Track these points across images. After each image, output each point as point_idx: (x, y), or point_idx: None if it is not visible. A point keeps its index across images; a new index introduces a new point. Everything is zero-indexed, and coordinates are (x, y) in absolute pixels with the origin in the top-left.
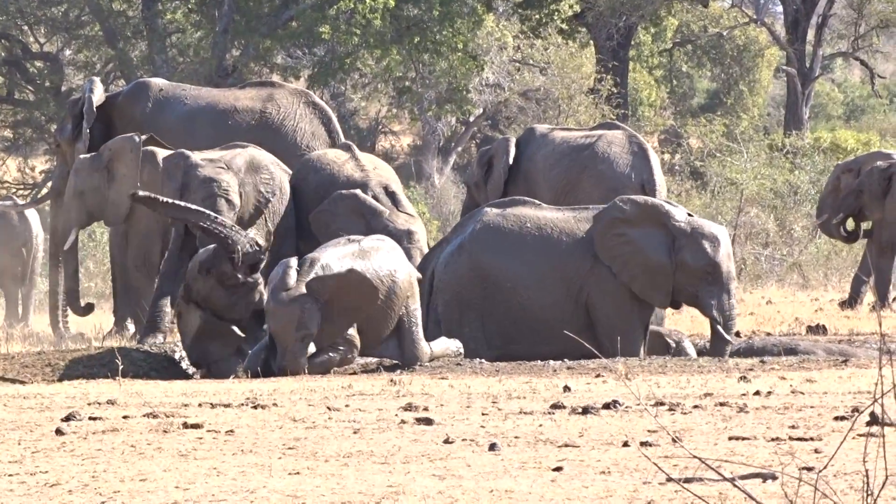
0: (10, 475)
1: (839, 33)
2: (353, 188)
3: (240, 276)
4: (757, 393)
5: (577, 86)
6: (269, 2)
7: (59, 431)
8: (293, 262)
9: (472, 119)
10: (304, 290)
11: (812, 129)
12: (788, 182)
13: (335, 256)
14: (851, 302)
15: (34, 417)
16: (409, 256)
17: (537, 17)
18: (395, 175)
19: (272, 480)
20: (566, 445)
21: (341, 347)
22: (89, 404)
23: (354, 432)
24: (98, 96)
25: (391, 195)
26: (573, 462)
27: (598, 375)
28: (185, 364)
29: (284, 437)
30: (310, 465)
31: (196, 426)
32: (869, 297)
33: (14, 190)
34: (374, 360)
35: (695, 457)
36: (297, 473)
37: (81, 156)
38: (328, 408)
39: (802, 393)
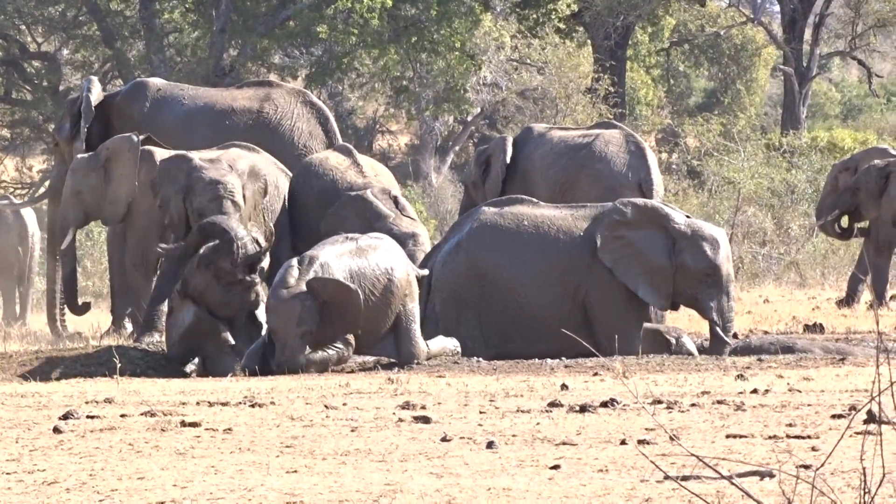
0: (8, 473)
1: (836, 32)
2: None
3: (238, 273)
4: (754, 391)
5: (575, 85)
6: (266, 1)
7: (56, 430)
8: (295, 261)
9: (469, 118)
10: (304, 288)
11: (809, 129)
12: (786, 181)
13: (333, 254)
14: (848, 300)
15: (32, 416)
16: (414, 259)
17: (535, 16)
18: (395, 180)
19: (270, 479)
20: (564, 444)
21: (339, 345)
22: (87, 403)
23: (352, 431)
24: (96, 95)
25: (394, 200)
26: (571, 460)
27: (595, 374)
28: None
29: (282, 436)
30: (307, 463)
31: (194, 424)
32: (866, 295)
33: (12, 189)
34: (372, 358)
35: (692, 455)
36: (295, 472)
37: (79, 155)
38: (326, 406)
39: (800, 391)
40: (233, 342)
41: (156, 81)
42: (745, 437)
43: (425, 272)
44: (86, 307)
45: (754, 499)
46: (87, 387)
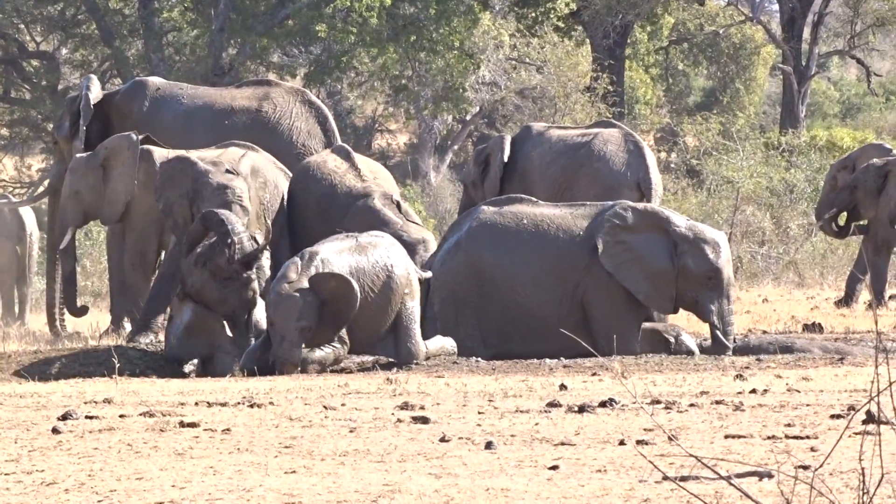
0: (7, 474)
1: (835, 31)
2: (355, 199)
3: (234, 270)
4: (753, 391)
5: (574, 84)
6: (265, 0)
7: (55, 430)
8: (297, 258)
9: (468, 117)
10: (306, 284)
11: (808, 128)
12: (784, 180)
13: (334, 251)
14: (847, 300)
15: (31, 416)
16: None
17: (533, 15)
18: (393, 180)
19: (268, 479)
20: (562, 444)
21: (336, 345)
22: (86, 403)
23: (351, 431)
24: (95, 94)
25: (396, 205)
26: (569, 460)
27: (594, 374)
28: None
29: (281, 436)
30: (306, 463)
31: (192, 425)
32: (865, 295)
33: (11, 189)
34: (370, 358)
35: (691, 455)
36: (294, 472)
37: (77, 155)
38: (324, 406)
39: (798, 391)
40: (231, 336)
41: (155, 80)
42: (744, 437)
43: (428, 274)
44: (84, 310)
45: (753, 499)
46: (86, 387)
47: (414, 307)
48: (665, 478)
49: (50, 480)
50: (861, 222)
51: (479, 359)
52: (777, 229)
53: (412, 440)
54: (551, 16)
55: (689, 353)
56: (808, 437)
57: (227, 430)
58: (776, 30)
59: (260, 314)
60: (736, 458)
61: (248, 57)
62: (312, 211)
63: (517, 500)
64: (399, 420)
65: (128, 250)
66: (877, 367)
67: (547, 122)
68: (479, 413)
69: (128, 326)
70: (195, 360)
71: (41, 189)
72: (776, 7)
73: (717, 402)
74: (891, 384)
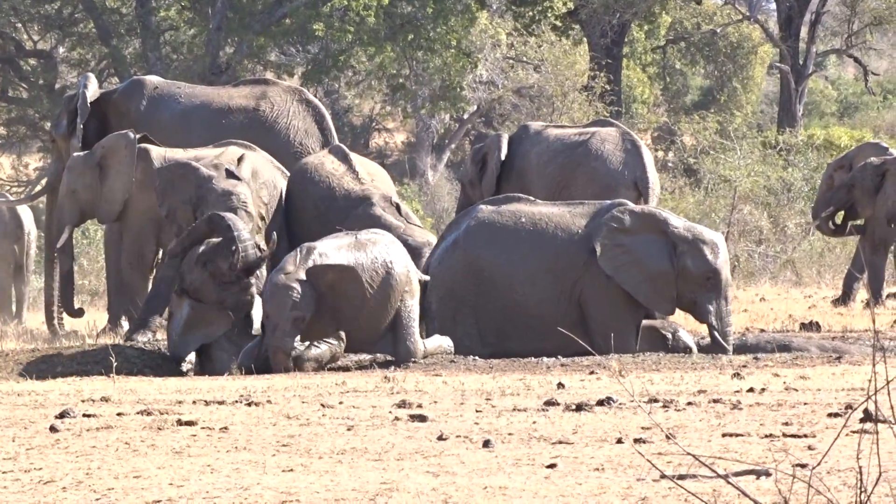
0: (5, 472)
1: (832, 30)
2: (353, 202)
3: (235, 276)
4: (751, 390)
5: (571, 83)
6: None
7: (53, 428)
8: (296, 251)
9: (465, 116)
10: (302, 275)
11: (805, 127)
12: (782, 179)
13: (333, 246)
14: (844, 299)
15: (28, 414)
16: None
17: (531, 14)
18: (390, 180)
19: (266, 477)
20: (560, 442)
21: (332, 341)
22: (83, 401)
23: (348, 429)
24: (92, 92)
25: (396, 207)
26: (567, 459)
27: (591, 372)
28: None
29: (278, 435)
30: (304, 462)
31: (190, 423)
32: (862, 293)
33: (8, 187)
34: (368, 356)
35: (688, 453)
36: (291, 470)
37: (75, 153)
38: (322, 405)
39: (796, 390)
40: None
41: (153, 79)
42: (742, 435)
43: (427, 277)
44: (80, 312)
45: (751, 498)
46: (84, 385)
47: (413, 305)
48: (663, 476)
49: (48, 479)
50: (858, 222)
51: (477, 357)
52: (774, 228)
53: (410, 438)
54: (549, 15)
55: (687, 349)
56: (805, 436)
57: (225, 428)
58: (773, 28)
59: (257, 314)
60: (733, 456)
61: (245, 56)
62: (310, 213)
63: (515, 498)
64: (397, 418)
65: (125, 249)
66: (874, 365)
67: (544, 121)
68: (477, 411)
69: (125, 325)
70: (193, 359)
71: (38, 188)
72: (773, 6)
73: (715, 401)
74: (888, 383)
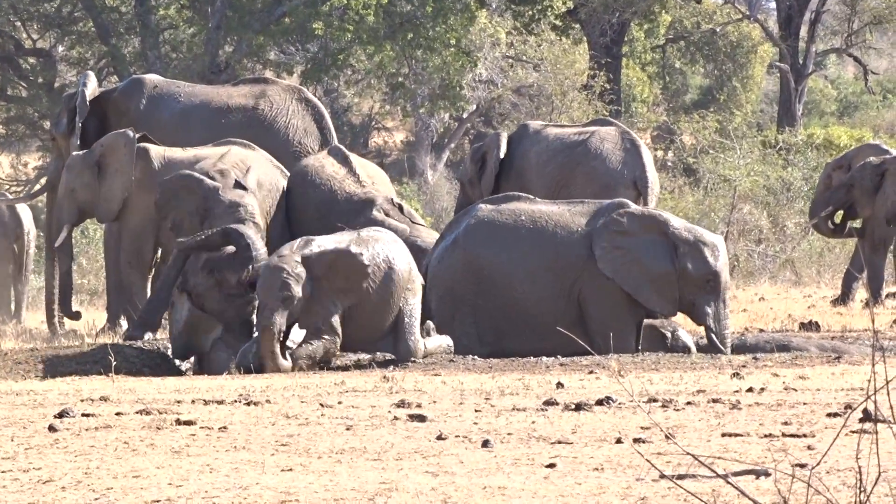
0: (3, 472)
1: (832, 29)
2: (356, 206)
3: (241, 288)
4: (750, 389)
5: (571, 82)
6: None
7: (52, 428)
8: (295, 240)
9: (465, 115)
10: (297, 258)
11: (805, 126)
12: (781, 179)
13: (333, 240)
14: (843, 298)
15: (27, 414)
16: None
17: (530, 13)
18: (389, 182)
19: (265, 477)
20: (559, 442)
21: (326, 336)
22: (82, 401)
23: (347, 429)
24: (91, 90)
25: (399, 208)
26: (566, 459)
27: (590, 372)
28: (181, 363)
29: (277, 434)
30: (303, 461)
31: (189, 423)
32: (861, 293)
33: (7, 186)
34: (367, 356)
35: (688, 453)
36: (290, 470)
37: (74, 152)
38: (321, 404)
39: (795, 390)
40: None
41: (153, 78)
42: (741, 435)
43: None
44: (77, 315)
45: (750, 498)
46: (83, 385)
47: (416, 304)
48: (662, 476)
49: (46, 478)
50: (856, 222)
51: (476, 357)
52: (774, 228)
53: (409, 438)
54: (548, 14)
55: (686, 349)
56: (804, 436)
57: (224, 427)
58: (773, 28)
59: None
60: (733, 456)
61: (244, 55)
62: (312, 216)
63: (514, 498)
64: (396, 418)
65: (124, 249)
66: (874, 365)
67: (544, 121)
68: (476, 411)
69: (124, 324)
70: (192, 358)
71: (37, 186)
72: (773, 5)
73: (714, 401)
74: (887, 382)
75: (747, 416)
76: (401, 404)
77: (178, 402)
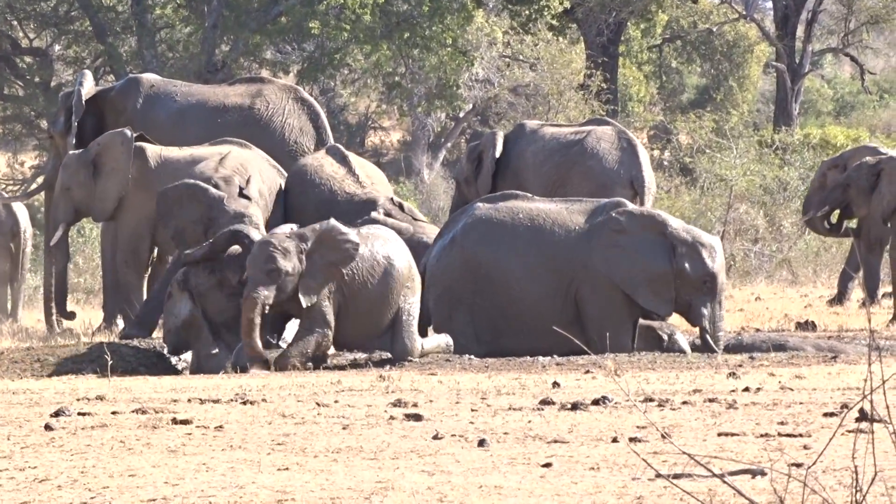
0: (0, 470)
1: (829, 29)
2: (357, 206)
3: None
4: (746, 389)
5: (567, 82)
6: None
7: (48, 427)
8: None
9: (461, 115)
10: (287, 234)
11: (801, 126)
12: (778, 178)
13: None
14: (839, 298)
15: (23, 413)
16: None
17: (527, 12)
18: (386, 181)
19: (261, 476)
20: (555, 441)
21: (318, 329)
22: (78, 400)
23: (343, 428)
24: (88, 89)
25: (399, 206)
26: (562, 458)
27: (587, 371)
28: (177, 363)
29: (273, 433)
30: (299, 460)
31: (185, 422)
32: (857, 293)
33: (4, 185)
34: (363, 355)
35: (684, 453)
36: (287, 469)
37: (70, 151)
38: (317, 403)
39: (791, 389)
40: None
41: (149, 77)
42: (737, 435)
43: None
44: (72, 315)
45: (746, 497)
46: (79, 384)
47: (414, 303)
48: (658, 475)
49: (42, 477)
50: (852, 222)
51: (472, 356)
52: (770, 227)
53: (405, 437)
54: (545, 13)
55: (682, 352)
56: (801, 435)
57: (220, 426)
58: (770, 27)
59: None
60: (729, 455)
61: (241, 54)
62: (311, 217)
63: (510, 497)
64: (392, 417)
65: (120, 248)
66: (870, 365)
67: (540, 120)
68: (472, 410)
69: (120, 323)
70: (188, 357)
71: (34, 185)
72: (770, 5)
73: (711, 400)
74: (884, 382)
75: (743, 416)
76: (397, 403)
77: (175, 401)
